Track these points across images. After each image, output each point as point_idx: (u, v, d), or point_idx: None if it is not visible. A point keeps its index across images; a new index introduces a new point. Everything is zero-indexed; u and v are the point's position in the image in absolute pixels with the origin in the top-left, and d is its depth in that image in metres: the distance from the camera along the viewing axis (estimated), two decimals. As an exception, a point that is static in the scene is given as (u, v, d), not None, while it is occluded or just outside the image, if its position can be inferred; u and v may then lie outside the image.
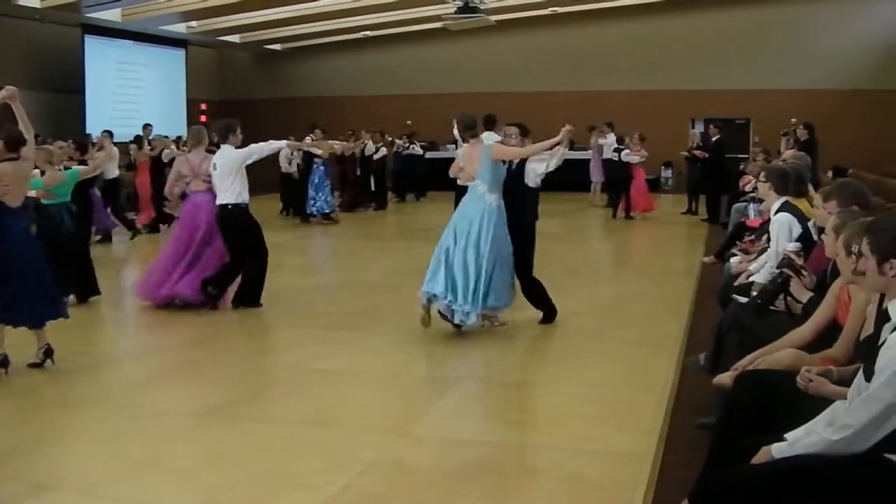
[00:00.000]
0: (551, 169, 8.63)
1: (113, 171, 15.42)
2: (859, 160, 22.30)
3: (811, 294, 5.19)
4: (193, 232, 10.04)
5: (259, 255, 9.88)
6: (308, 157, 19.13)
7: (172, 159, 16.16)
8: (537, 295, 8.98)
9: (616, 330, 8.77)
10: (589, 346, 8.07)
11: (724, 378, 4.59)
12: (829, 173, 17.51)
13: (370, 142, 22.37)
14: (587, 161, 22.81)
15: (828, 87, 25.54)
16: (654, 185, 26.54)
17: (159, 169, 17.42)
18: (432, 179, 24.48)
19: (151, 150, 17.87)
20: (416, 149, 25.07)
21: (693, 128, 19.31)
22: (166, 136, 19.63)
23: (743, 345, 5.04)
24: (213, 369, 7.33)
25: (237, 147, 9.79)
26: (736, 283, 7.20)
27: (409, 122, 25.92)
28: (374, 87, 29.50)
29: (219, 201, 9.72)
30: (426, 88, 28.73)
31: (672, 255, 14.08)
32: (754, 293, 5.88)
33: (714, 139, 18.74)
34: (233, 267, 9.86)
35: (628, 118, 23.91)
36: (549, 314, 9.03)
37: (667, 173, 27.59)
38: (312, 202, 19.25)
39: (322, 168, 19.21)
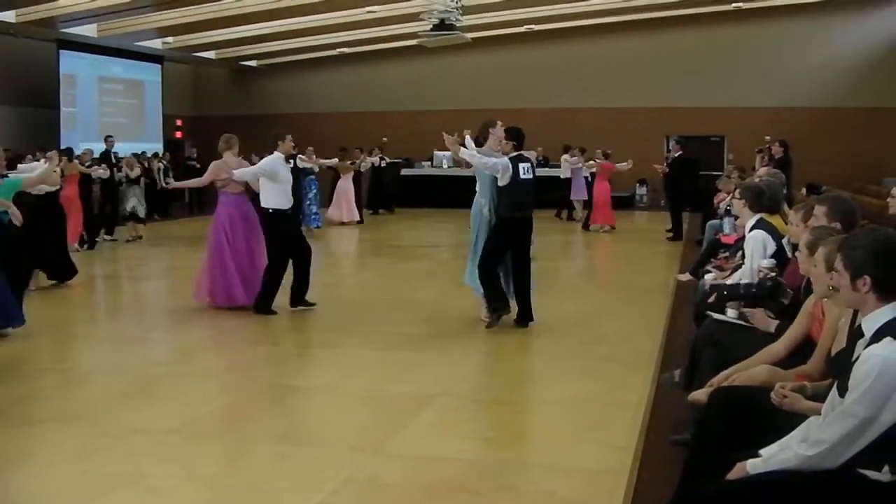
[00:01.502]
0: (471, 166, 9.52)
1: (41, 189, 15.24)
2: (833, 178, 22.55)
3: (776, 323, 5.26)
4: (233, 230, 10.57)
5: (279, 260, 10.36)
6: (296, 172, 19.18)
7: (103, 176, 16.27)
8: (484, 284, 9.46)
9: (591, 346, 8.76)
10: (564, 363, 8.06)
11: (699, 395, 4.59)
12: (804, 190, 17.64)
13: (367, 158, 23.22)
14: (557, 178, 22.90)
15: (802, 106, 25.82)
16: (629, 203, 26.74)
17: (87, 184, 17.24)
18: (405, 195, 24.61)
19: (84, 164, 17.45)
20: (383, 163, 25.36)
21: (675, 143, 19.37)
22: (90, 149, 19.25)
23: (717, 361, 5.05)
24: (189, 385, 7.26)
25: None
26: (710, 300, 7.22)
27: (384, 138, 25.93)
28: (350, 104, 29.55)
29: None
30: (402, 105, 28.80)
31: (647, 271, 14.10)
32: (729, 311, 5.89)
33: (676, 155, 18.82)
34: (268, 272, 10.35)
35: (603, 135, 24.08)
36: (494, 315, 9.50)
37: (642, 190, 27.76)
38: (314, 217, 20.33)
39: (316, 183, 19.97)
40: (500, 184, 9.30)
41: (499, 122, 9.79)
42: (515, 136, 9.49)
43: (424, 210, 24.96)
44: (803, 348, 4.60)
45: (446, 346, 8.83)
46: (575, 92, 27.48)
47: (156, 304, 12.11)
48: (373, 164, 24.65)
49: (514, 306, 9.60)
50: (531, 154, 9.99)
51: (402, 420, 6.29)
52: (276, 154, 10.42)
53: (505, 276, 9.64)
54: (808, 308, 4.71)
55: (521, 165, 9.40)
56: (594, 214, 20.27)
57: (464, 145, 9.57)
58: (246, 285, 10.57)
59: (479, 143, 9.78)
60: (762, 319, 5.49)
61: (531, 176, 9.50)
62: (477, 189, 9.63)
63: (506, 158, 9.33)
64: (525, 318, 9.58)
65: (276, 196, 10.22)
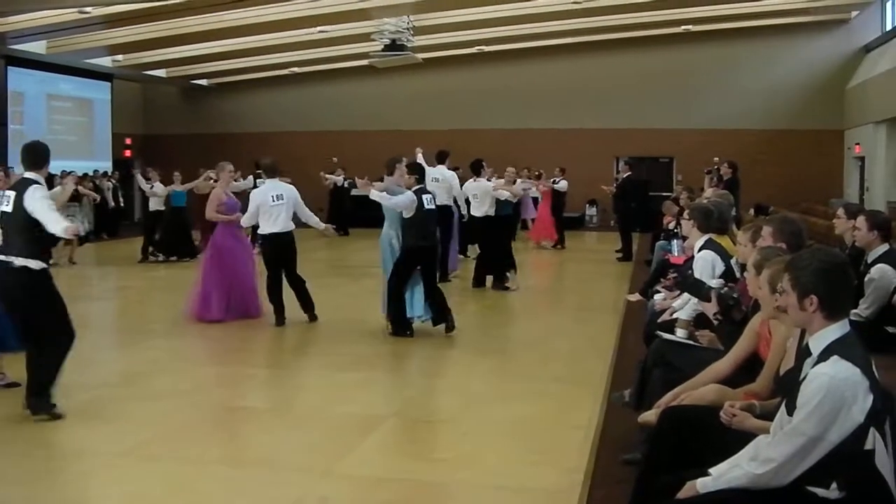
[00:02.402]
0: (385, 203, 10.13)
1: None
2: (780, 198, 22.81)
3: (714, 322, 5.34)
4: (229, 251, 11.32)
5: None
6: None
7: None
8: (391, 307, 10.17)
9: (540, 367, 8.78)
10: (514, 383, 8.06)
11: (649, 416, 4.60)
12: (751, 211, 17.81)
13: (341, 176, 23.20)
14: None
15: (751, 128, 26.14)
16: (579, 223, 26.86)
17: None
18: (357, 215, 24.52)
19: None
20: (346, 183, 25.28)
21: (624, 164, 19.52)
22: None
23: (667, 381, 5.07)
24: (138, 407, 7.15)
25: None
26: (660, 320, 7.25)
27: (334, 158, 25.81)
28: (302, 124, 29.43)
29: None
30: (353, 125, 28.74)
31: (597, 291, 14.17)
32: (679, 331, 5.92)
33: (624, 176, 18.94)
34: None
35: (552, 156, 24.15)
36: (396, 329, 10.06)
37: (591, 211, 27.89)
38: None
39: None
40: (406, 216, 10.00)
41: (404, 159, 10.92)
42: (417, 171, 10.34)
43: (376, 230, 24.73)
44: (751, 367, 4.63)
45: (397, 367, 8.81)
46: (525, 113, 27.60)
47: (105, 324, 11.95)
48: (335, 183, 24.53)
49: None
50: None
51: (353, 441, 6.24)
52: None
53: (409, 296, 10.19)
54: (755, 327, 4.74)
55: (424, 197, 10.08)
56: (537, 230, 21.23)
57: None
58: (230, 302, 11.13)
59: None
60: (712, 341, 5.54)
61: (434, 207, 10.26)
62: (385, 222, 10.46)
63: (410, 193, 9.99)
64: (449, 326, 10.11)
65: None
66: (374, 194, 10.09)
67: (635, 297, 11.91)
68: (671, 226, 13.21)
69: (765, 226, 5.65)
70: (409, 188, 10.10)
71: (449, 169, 15.05)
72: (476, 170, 14.43)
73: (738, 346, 4.80)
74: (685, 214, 7.69)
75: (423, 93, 28.24)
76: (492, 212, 14.21)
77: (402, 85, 28.01)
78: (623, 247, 18.63)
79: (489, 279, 14.02)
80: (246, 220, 11.01)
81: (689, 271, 7.07)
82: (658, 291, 8.90)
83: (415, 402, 7.65)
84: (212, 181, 18.59)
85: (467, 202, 14.53)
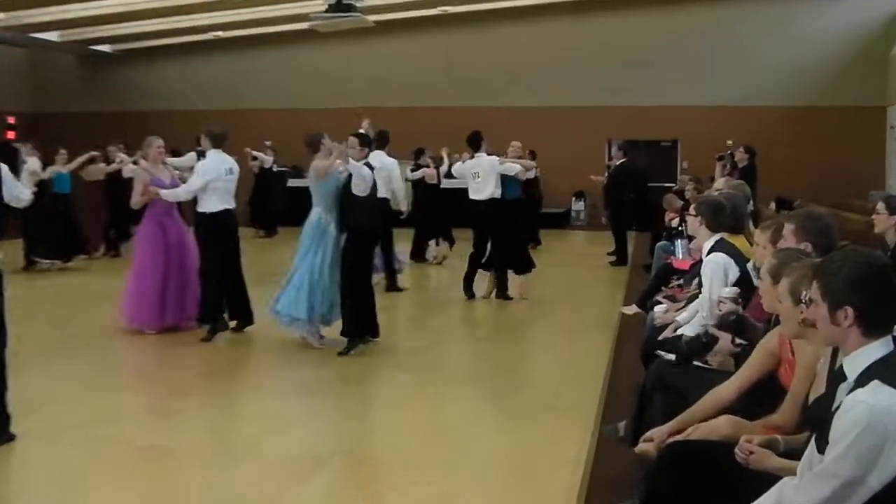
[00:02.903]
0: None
1: None
2: (808, 190, 22.85)
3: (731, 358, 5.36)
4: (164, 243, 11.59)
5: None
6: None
7: None
8: (350, 316, 10.30)
9: (520, 392, 8.78)
10: (489, 412, 8.06)
11: (648, 447, 4.60)
12: (772, 205, 17.92)
13: (271, 157, 23.18)
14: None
15: (770, 104, 26.08)
16: (564, 220, 26.91)
17: None
18: (293, 211, 24.38)
19: None
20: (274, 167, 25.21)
21: (618, 149, 19.50)
22: None
23: (669, 410, 5.07)
24: (35, 447, 7.04)
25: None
26: (661, 337, 7.26)
27: (267, 141, 25.65)
28: (225, 100, 29.02)
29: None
30: (290, 101, 28.57)
31: (586, 303, 14.19)
32: (685, 346, 5.94)
33: (618, 163, 18.96)
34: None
35: (531, 139, 24.15)
36: (350, 346, 10.19)
37: (578, 206, 27.85)
38: None
39: None
40: (361, 193, 10.30)
41: (325, 135, 10.92)
42: (370, 143, 11.05)
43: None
44: (772, 394, 4.64)
45: (348, 394, 8.79)
46: (498, 87, 27.55)
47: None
48: (261, 166, 24.36)
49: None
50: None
51: (291, 486, 6.20)
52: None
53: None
54: (769, 346, 4.75)
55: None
56: None
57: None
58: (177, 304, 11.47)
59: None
60: (726, 353, 5.56)
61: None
62: (317, 204, 10.57)
63: (366, 168, 10.40)
64: (374, 332, 10.54)
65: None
66: (352, 164, 10.32)
67: (632, 309, 12.00)
68: (674, 223, 13.26)
69: (786, 223, 5.67)
70: (361, 160, 10.47)
71: (389, 155, 14.87)
72: (475, 144, 14.28)
73: (747, 369, 4.82)
74: (691, 209, 7.70)
75: (374, 64, 28.11)
76: (498, 193, 13.95)
77: (350, 54, 27.91)
78: (617, 249, 18.68)
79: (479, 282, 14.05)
80: (185, 194, 11.21)
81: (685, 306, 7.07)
82: (659, 302, 8.92)
83: (368, 437, 7.62)
84: (104, 164, 18.45)
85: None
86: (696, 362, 5.84)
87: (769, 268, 4.76)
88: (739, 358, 5.32)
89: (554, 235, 21.57)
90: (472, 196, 14.08)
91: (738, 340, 5.52)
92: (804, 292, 3.80)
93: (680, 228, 11.85)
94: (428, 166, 18.61)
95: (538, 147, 21.93)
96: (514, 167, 14.27)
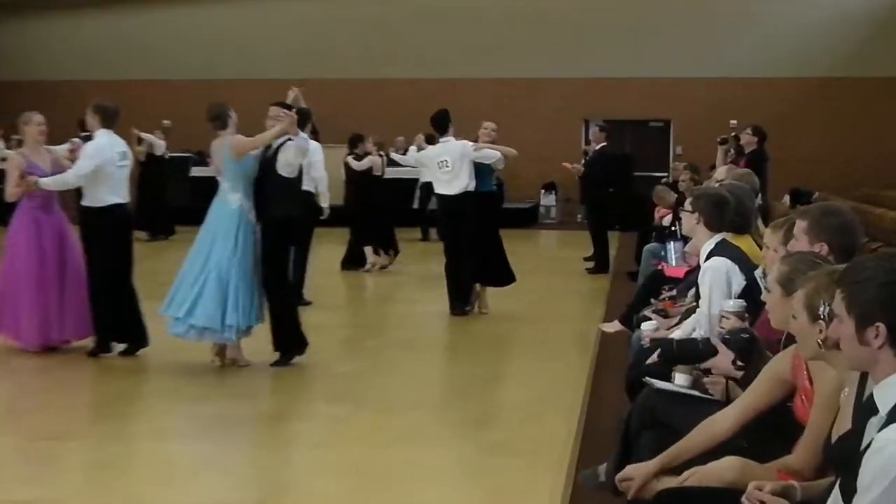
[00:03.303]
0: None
1: None
2: (829, 180, 23.02)
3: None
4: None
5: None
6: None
7: None
8: (281, 322, 10.56)
9: (479, 429, 8.81)
10: (437, 455, 8.03)
11: (630, 487, 4.63)
12: (786, 199, 18.03)
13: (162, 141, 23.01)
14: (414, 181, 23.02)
15: (783, 76, 26.20)
16: (531, 218, 26.95)
17: None
18: (196, 206, 24.19)
19: None
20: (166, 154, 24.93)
21: (598, 130, 19.50)
22: None
23: (660, 450, 5.06)
24: None
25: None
26: (650, 361, 7.26)
27: (165, 121, 25.45)
28: (114, 69, 28.87)
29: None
30: (193, 72, 28.46)
31: (558, 318, 14.22)
32: (679, 377, 5.92)
33: (598, 148, 18.97)
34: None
35: (490, 118, 24.17)
36: (286, 355, 10.48)
37: (549, 200, 27.85)
38: None
39: None
40: (288, 175, 10.57)
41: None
42: (305, 117, 11.36)
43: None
44: (780, 429, 4.64)
45: (264, 433, 8.73)
46: (455, 56, 27.54)
47: None
48: (149, 152, 24.09)
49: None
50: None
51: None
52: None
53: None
54: (780, 371, 4.74)
55: None
56: None
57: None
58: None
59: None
60: (721, 372, 5.58)
61: None
62: (230, 189, 10.55)
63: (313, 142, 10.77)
64: (292, 348, 10.65)
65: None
66: (302, 135, 10.61)
67: (614, 326, 11.98)
68: (666, 222, 13.32)
69: (798, 220, 5.68)
70: (292, 135, 10.60)
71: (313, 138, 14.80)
72: (442, 125, 14.18)
73: (750, 396, 4.84)
74: (687, 204, 7.71)
75: (299, 25, 28.07)
76: (472, 186, 13.92)
77: (264, 16, 27.83)
78: (595, 253, 18.72)
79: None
80: (74, 179, 11.05)
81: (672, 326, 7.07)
82: (647, 318, 8.92)
83: (289, 485, 7.58)
84: None
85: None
86: (692, 391, 5.83)
87: (778, 276, 4.76)
88: (740, 385, 5.33)
89: (519, 236, 21.51)
90: (439, 190, 14.13)
91: (739, 363, 5.52)
92: (823, 305, 3.80)
93: (673, 228, 11.89)
94: (371, 154, 18.61)
95: (508, 128, 21.94)
96: (492, 153, 14.10)
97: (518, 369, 11.26)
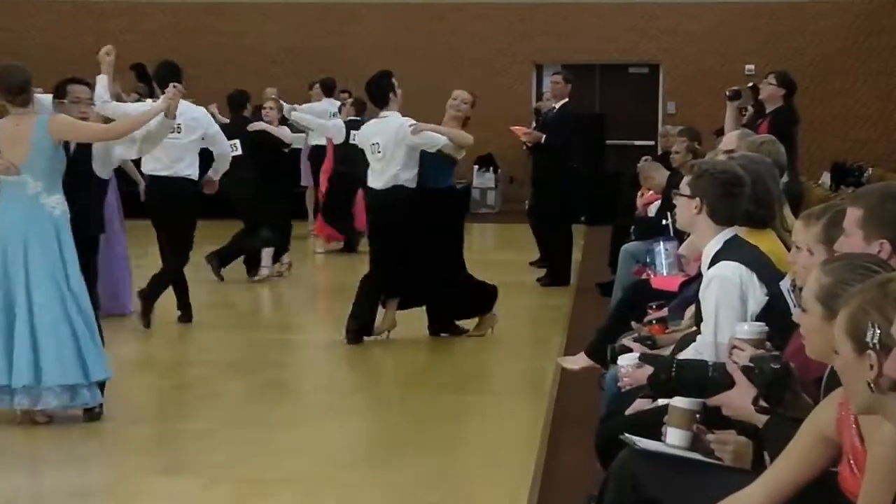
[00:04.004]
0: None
1: None
2: (885, 149, 23.21)
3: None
4: None
5: None
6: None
7: None
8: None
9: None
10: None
11: None
12: (825, 177, 18.18)
13: None
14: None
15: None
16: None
17: None
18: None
19: None
20: None
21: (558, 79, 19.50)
22: None
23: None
24: None
25: None
26: (630, 410, 7.29)
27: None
28: None
29: None
30: None
31: (501, 350, 14.27)
32: (672, 433, 5.94)
33: (557, 106, 19.01)
34: None
35: (407, 59, 24.24)
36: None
37: (485, 179, 27.81)
38: None
39: None
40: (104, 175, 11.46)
41: None
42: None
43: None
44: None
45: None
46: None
47: None
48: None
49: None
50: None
51: None
52: None
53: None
54: (821, 426, 4.75)
55: None
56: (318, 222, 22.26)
57: None
58: None
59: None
60: (735, 412, 5.58)
61: None
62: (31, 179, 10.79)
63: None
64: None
65: None
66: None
67: (578, 361, 12.03)
68: (653, 211, 13.40)
69: (849, 208, 5.70)
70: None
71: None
72: (381, 95, 14.27)
73: (785, 465, 4.85)
74: (683, 186, 7.72)
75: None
76: (409, 178, 14.20)
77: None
78: (549, 256, 18.75)
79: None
80: None
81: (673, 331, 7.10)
82: (626, 349, 8.94)
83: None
84: None
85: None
86: (691, 454, 5.85)
87: (818, 289, 4.72)
88: (765, 436, 5.32)
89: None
90: (369, 182, 14.46)
91: (763, 404, 5.48)
92: (873, 329, 3.79)
93: (664, 221, 11.96)
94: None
95: (417, 78, 21.99)
96: (436, 138, 14.29)
97: (446, 420, 11.26)
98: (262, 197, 18.34)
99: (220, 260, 18.44)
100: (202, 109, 15.55)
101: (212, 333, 15.15)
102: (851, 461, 4.56)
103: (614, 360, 8.43)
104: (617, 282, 13.32)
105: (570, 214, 19.06)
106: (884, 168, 18.82)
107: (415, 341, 14.22)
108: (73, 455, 10.10)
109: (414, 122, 14.13)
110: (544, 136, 18.99)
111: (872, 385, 3.76)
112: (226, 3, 27.34)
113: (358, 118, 19.92)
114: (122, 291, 15.40)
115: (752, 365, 5.50)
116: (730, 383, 5.52)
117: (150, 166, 14.98)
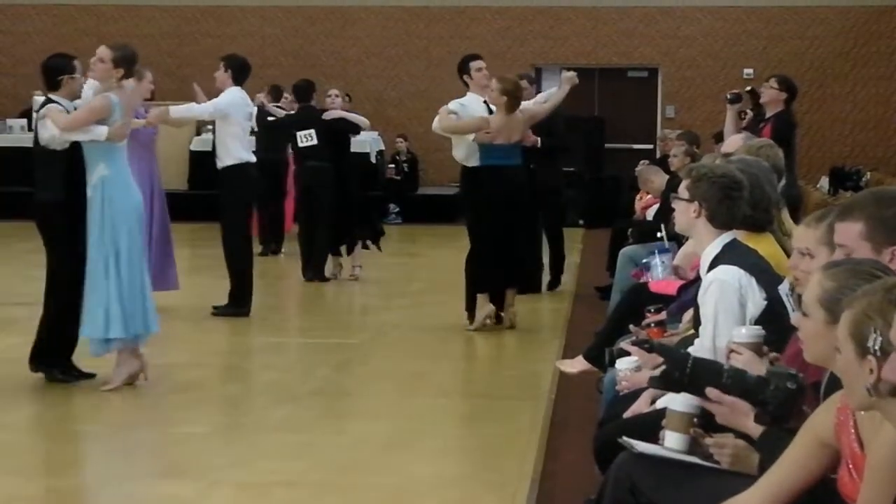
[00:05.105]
0: None
1: None
2: (883, 153, 23.17)
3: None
4: None
5: None
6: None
7: None
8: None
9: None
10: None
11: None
12: (824, 181, 18.17)
13: None
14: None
15: (818, 3, 26.29)
16: (450, 210, 26.94)
17: None
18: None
19: None
20: None
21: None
22: None
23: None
24: None
25: None
26: (628, 414, 7.29)
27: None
28: None
29: None
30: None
31: (496, 355, 14.25)
32: (671, 437, 5.93)
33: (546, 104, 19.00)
34: None
35: (398, 63, 24.21)
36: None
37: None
38: None
39: None
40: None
41: None
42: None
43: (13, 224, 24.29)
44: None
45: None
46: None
47: None
48: None
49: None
50: None
51: None
52: None
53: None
54: (820, 430, 4.75)
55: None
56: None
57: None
58: None
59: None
60: (740, 458, 5.57)
61: None
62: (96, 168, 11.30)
63: None
64: None
65: None
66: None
67: (576, 364, 12.04)
68: (651, 214, 13.39)
69: (842, 223, 5.70)
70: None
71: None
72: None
73: (781, 470, 4.84)
74: (682, 190, 7.73)
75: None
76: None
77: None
78: (551, 258, 18.72)
79: None
80: None
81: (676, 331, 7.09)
82: (624, 353, 8.95)
83: None
84: None
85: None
86: (690, 458, 5.85)
87: (820, 293, 4.71)
88: (761, 446, 5.31)
89: (438, 235, 21.61)
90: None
91: (769, 418, 5.47)
92: (875, 334, 3.79)
93: (659, 235, 11.96)
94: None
95: (414, 81, 21.98)
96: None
97: (438, 426, 11.25)
98: (342, 189, 18.24)
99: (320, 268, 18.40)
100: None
101: (212, 336, 15.13)
102: (850, 466, 4.55)
103: (613, 364, 8.45)
104: (615, 285, 13.30)
105: (560, 218, 18.93)
106: (882, 172, 18.81)
107: (414, 345, 14.19)
108: (73, 458, 10.07)
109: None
110: (538, 143, 18.95)
111: (871, 389, 3.76)
112: (224, 7, 27.37)
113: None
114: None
115: (767, 379, 5.45)
116: (741, 381, 5.48)
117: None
